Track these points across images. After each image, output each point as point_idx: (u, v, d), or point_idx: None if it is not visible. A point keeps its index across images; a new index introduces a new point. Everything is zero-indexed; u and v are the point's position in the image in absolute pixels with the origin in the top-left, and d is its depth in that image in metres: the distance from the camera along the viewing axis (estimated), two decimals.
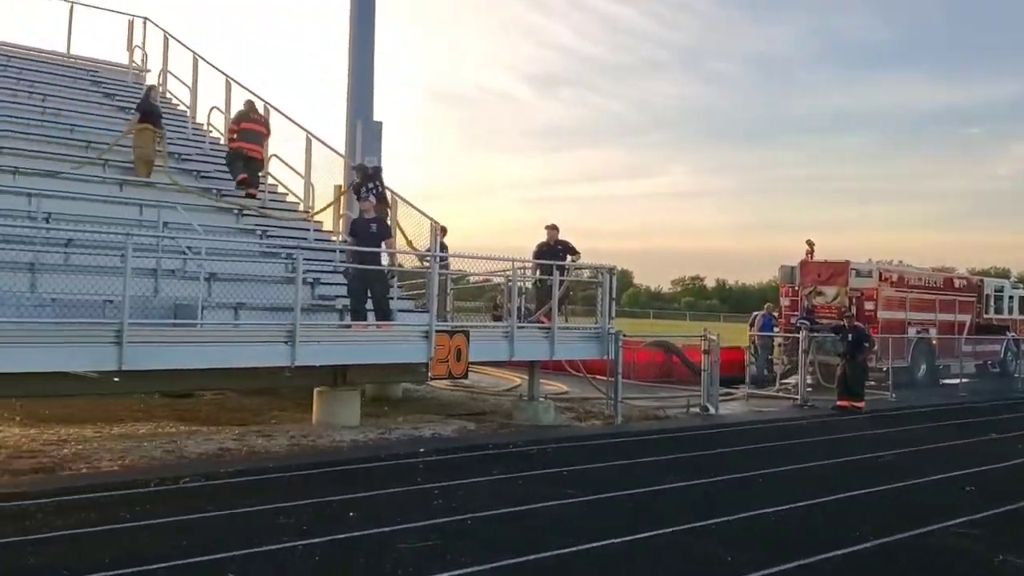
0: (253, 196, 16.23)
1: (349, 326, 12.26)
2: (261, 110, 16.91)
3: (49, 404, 12.22)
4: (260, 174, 16.79)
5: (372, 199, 13.61)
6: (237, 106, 17.13)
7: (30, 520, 6.98)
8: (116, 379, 9.61)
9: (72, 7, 19.93)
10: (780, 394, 18.48)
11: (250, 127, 16.43)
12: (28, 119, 16.20)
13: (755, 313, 23.04)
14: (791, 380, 19.00)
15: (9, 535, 6.55)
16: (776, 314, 22.49)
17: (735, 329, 30.20)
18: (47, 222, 12.22)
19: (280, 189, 17.50)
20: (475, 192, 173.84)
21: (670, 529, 7.43)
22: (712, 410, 15.39)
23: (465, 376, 12.77)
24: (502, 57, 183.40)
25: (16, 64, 18.64)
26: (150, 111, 15.63)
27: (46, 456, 9.33)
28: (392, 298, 13.77)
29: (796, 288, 22.84)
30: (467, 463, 10.10)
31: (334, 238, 15.91)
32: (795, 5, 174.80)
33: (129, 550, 6.28)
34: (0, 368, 8.85)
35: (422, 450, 10.72)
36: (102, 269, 10.95)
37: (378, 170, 14.59)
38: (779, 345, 20.94)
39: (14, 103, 16.68)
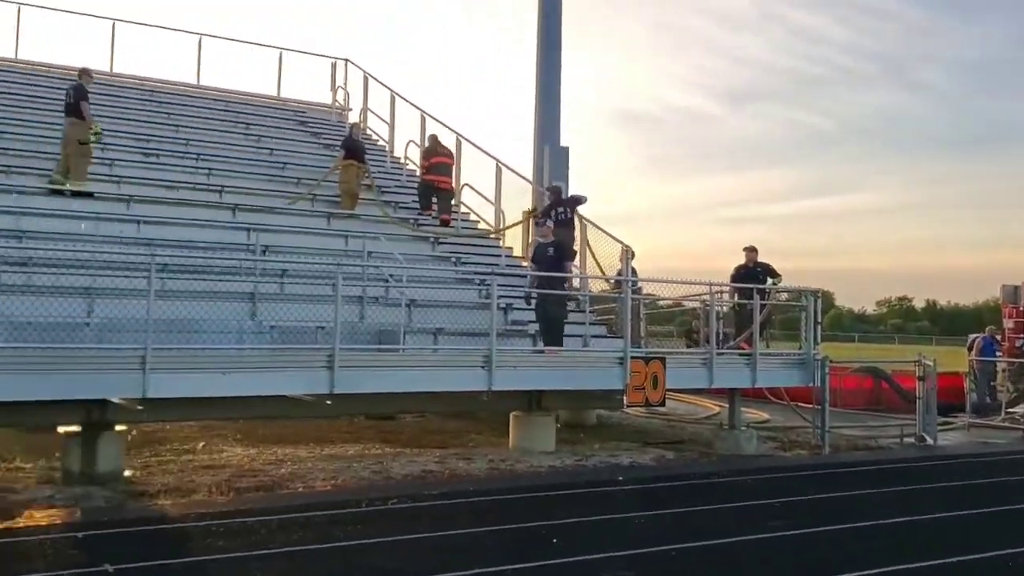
0: (447, 223, 16.73)
1: (543, 351, 12.33)
2: (449, 141, 17.48)
3: (265, 425, 12.98)
4: (452, 202, 17.32)
5: (550, 224, 13.77)
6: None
7: (255, 536, 7.36)
8: (328, 402, 10.07)
9: (281, 54, 21.48)
10: (1006, 424, 16.94)
11: (439, 160, 17.09)
12: (245, 159, 17.50)
13: (973, 336, 21.27)
14: (1019, 409, 17.40)
15: (236, 550, 6.93)
16: (998, 337, 20.70)
17: (950, 353, 28.07)
18: (264, 254, 13.08)
19: (472, 217, 17.95)
20: (664, 214, 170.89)
21: (889, 568, 6.88)
22: (929, 440, 14.28)
23: (662, 404, 12.50)
24: (689, 74, 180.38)
25: (234, 108, 20.20)
26: (353, 148, 16.51)
27: (266, 475, 9.85)
28: (583, 323, 13.79)
29: (1021, 309, 20.96)
30: (667, 493, 9.83)
31: (524, 264, 16.10)
32: (1002, 4, 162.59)
33: (344, 569, 6.49)
34: (226, 392, 9.49)
35: (620, 478, 10.54)
36: (313, 297, 11.59)
37: (576, 200, 14.70)
38: (1003, 371, 19.25)
39: (234, 145, 18.07)
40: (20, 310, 9.71)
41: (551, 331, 12.55)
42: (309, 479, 9.73)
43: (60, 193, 13.60)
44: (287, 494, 9.08)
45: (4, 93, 17.26)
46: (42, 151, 14.77)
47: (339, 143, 17.66)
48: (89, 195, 13.76)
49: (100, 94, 18.38)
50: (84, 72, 14.45)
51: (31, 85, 18.05)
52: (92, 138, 13.84)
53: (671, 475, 10.94)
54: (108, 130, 16.33)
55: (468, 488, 9.63)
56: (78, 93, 13.85)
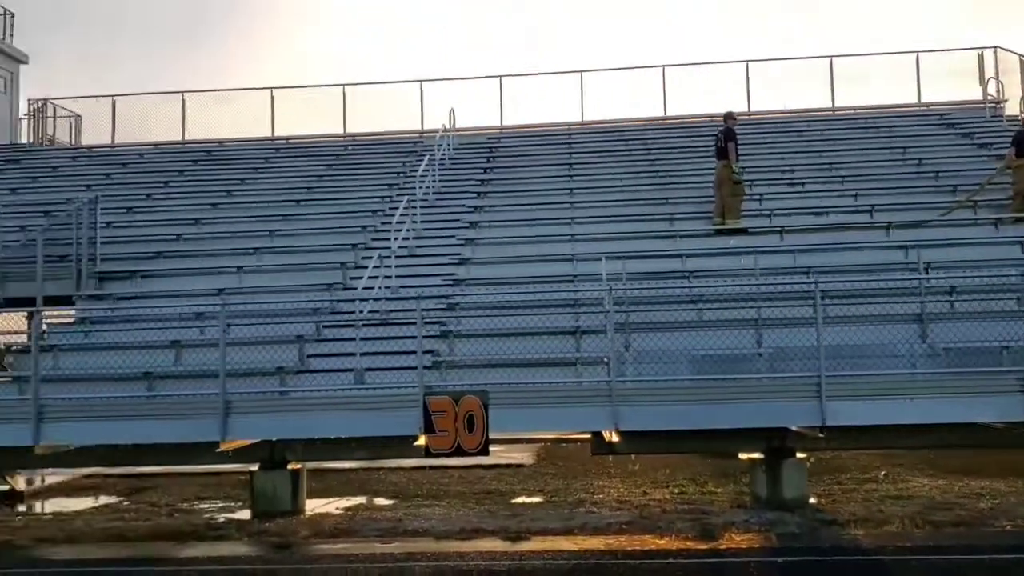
0: None
1: None
2: None
3: (949, 454, 11.99)
4: None
5: None
6: None
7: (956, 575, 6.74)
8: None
9: (918, 56, 20.25)
10: None
11: None
12: (892, 174, 16.71)
13: None
14: None
15: None
16: None
17: None
18: (926, 272, 12.20)
19: None
20: None
21: None
22: None
23: None
24: None
25: (873, 123, 19.53)
26: None
27: (962, 509, 9.06)
28: None
29: None
30: None
31: None
32: None
33: None
34: (907, 420, 9.06)
35: None
36: (990, 314, 10.45)
37: None
38: None
39: (878, 161, 17.41)
40: (697, 344, 10.59)
41: None
42: (1016, 516, 8.64)
43: (719, 233, 14.48)
44: (992, 532, 8.19)
45: (661, 148, 19.19)
46: (698, 196, 15.97)
47: (997, 141, 15.83)
48: (743, 231, 14.41)
49: (743, 133, 19.37)
50: (729, 115, 15.26)
51: (681, 137, 19.77)
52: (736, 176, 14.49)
53: None
54: (753, 166, 17.09)
55: None
56: (727, 136, 14.68)
